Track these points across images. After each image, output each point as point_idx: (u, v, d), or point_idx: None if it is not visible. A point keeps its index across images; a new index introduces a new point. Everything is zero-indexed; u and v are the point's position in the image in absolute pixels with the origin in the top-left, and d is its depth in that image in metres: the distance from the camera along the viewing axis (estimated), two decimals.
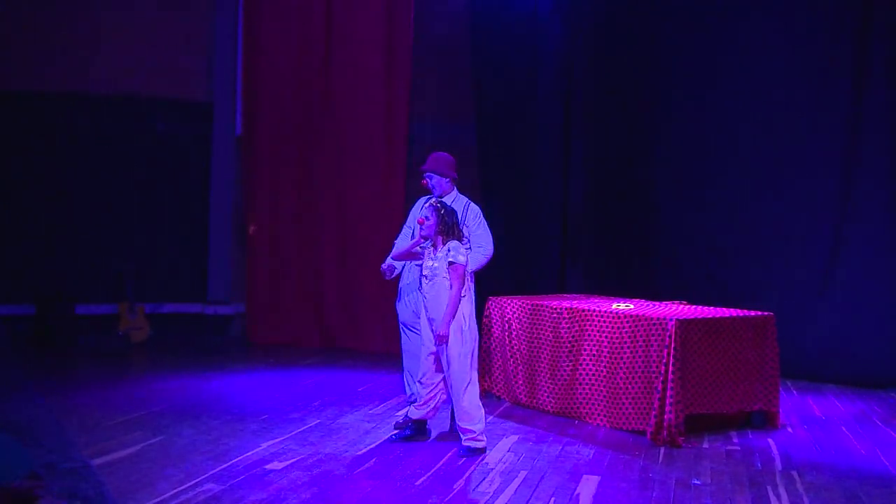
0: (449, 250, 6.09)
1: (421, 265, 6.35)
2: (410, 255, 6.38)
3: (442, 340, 6.07)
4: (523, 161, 10.60)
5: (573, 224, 10.42)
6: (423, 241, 6.24)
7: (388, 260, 6.67)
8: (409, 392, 6.85)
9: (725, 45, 9.51)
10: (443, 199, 6.33)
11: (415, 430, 6.43)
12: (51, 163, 10.92)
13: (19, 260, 10.79)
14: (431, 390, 6.25)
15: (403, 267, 6.75)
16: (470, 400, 6.14)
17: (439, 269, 6.12)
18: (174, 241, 11.40)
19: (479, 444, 6.14)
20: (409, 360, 6.78)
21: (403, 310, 6.82)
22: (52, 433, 6.34)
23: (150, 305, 11.02)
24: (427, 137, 11.23)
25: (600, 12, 10.22)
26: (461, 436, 6.18)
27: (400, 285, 6.86)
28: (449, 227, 6.11)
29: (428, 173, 6.72)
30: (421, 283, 6.31)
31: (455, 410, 6.27)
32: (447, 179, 6.72)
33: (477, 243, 6.65)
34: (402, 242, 6.71)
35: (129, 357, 10.03)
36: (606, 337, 7.01)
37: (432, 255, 6.18)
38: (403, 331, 6.85)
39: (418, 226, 6.23)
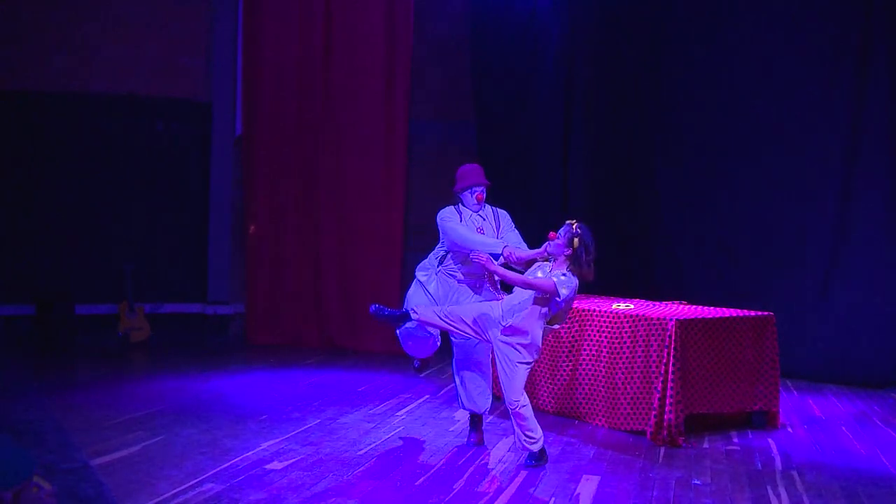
0: (563, 275, 5.73)
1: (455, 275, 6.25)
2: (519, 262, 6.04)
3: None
4: (523, 160, 10.60)
5: None
6: (545, 253, 5.92)
7: (485, 254, 6.02)
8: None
9: (727, 45, 9.50)
10: (588, 235, 5.86)
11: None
12: (50, 163, 10.92)
13: (19, 260, 10.79)
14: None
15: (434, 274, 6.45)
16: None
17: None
18: (174, 241, 11.40)
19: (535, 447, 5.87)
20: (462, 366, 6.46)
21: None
22: (52, 433, 6.34)
23: (150, 305, 11.02)
24: (427, 137, 11.26)
25: (600, 11, 10.21)
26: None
27: (435, 293, 6.42)
28: (574, 257, 5.76)
29: (485, 188, 6.43)
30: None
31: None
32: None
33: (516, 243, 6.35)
34: (468, 232, 6.26)
35: (129, 357, 10.03)
36: (606, 337, 7.01)
37: (541, 267, 5.88)
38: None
39: (549, 241, 5.87)
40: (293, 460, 5.87)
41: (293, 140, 10.95)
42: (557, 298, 5.73)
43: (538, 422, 5.91)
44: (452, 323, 5.96)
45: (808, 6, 9.15)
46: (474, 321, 5.93)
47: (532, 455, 5.86)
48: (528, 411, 5.83)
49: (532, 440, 5.84)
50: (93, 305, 10.86)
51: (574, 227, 5.83)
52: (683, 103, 9.77)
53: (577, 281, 5.79)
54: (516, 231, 6.49)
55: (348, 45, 10.82)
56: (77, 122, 11.04)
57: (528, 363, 5.85)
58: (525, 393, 5.87)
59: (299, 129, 10.94)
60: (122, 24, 11.10)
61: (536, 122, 10.46)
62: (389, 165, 10.81)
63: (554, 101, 10.29)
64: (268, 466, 5.71)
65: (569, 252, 5.78)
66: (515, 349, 5.81)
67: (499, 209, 6.58)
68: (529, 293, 5.79)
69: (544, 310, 5.80)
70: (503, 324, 5.83)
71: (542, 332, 5.86)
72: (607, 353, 7.00)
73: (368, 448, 6.25)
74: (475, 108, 10.90)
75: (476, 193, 6.42)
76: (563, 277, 5.73)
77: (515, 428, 5.88)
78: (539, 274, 5.85)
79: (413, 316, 6.02)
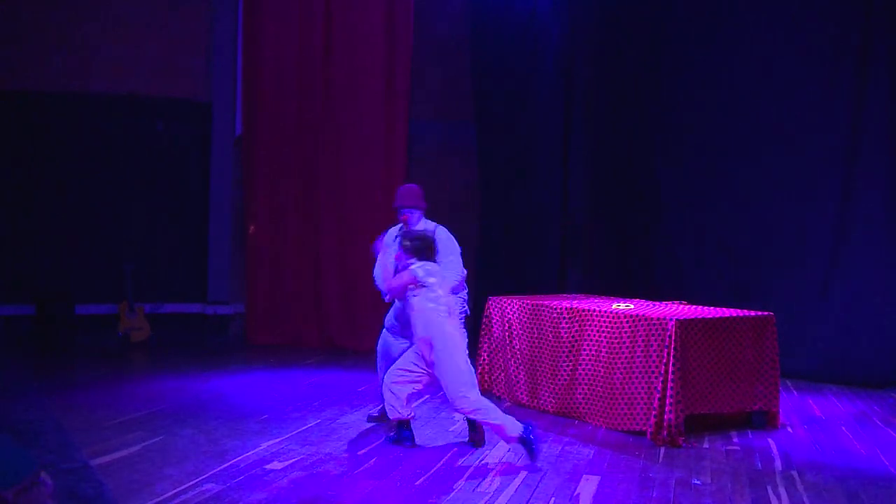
0: (410, 262, 6.19)
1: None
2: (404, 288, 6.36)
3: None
4: (523, 161, 10.60)
5: (573, 224, 10.42)
6: (404, 269, 6.27)
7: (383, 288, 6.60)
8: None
9: (727, 45, 9.51)
10: (409, 229, 6.39)
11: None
12: (50, 163, 10.93)
13: (19, 260, 10.80)
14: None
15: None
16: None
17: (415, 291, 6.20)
18: (174, 241, 11.41)
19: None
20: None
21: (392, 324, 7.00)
22: (52, 433, 6.34)
23: (150, 305, 11.02)
24: (427, 137, 11.26)
25: (600, 11, 10.21)
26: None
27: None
28: (415, 250, 6.19)
29: (407, 209, 6.78)
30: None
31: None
32: (419, 211, 6.83)
33: (447, 268, 6.54)
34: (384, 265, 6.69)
35: (129, 357, 10.03)
36: (606, 337, 7.01)
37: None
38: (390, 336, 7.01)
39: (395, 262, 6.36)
40: (293, 460, 5.87)
41: (293, 140, 10.96)
42: (425, 284, 6.09)
43: (538, 421, 5.93)
44: (406, 376, 6.27)
45: (808, 6, 9.15)
46: (410, 362, 6.27)
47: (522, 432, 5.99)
48: (475, 395, 6.07)
49: (494, 418, 6.03)
50: (93, 305, 10.87)
51: (402, 240, 6.28)
52: (683, 103, 9.77)
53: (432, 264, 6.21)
54: (452, 256, 6.68)
55: (348, 45, 10.82)
56: (77, 122, 11.05)
57: (462, 350, 6.19)
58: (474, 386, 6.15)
59: (299, 129, 10.94)
60: (122, 24, 11.11)
61: (536, 122, 10.47)
62: (389, 165, 10.81)
63: (554, 101, 10.30)
64: (268, 466, 5.70)
65: (411, 255, 6.19)
66: (436, 347, 6.10)
67: (441, 231, 6.77)
68: (411, 303, 6.15)
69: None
70: (420, 336, 6.13)
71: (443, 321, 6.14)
72: (607, 353, 7.00)
73: (368, 448, 6.26)
74: (475, 108, 10.90)
75: (402, 216, 6.77)
76: (414, 265, 6.14)
77: (482, 422, 6.12)
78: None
79: (389, 410, 6.34)
